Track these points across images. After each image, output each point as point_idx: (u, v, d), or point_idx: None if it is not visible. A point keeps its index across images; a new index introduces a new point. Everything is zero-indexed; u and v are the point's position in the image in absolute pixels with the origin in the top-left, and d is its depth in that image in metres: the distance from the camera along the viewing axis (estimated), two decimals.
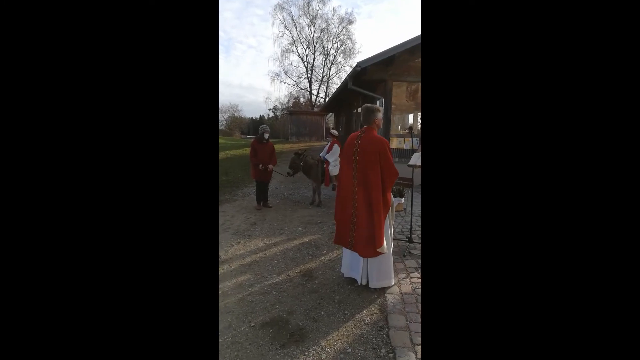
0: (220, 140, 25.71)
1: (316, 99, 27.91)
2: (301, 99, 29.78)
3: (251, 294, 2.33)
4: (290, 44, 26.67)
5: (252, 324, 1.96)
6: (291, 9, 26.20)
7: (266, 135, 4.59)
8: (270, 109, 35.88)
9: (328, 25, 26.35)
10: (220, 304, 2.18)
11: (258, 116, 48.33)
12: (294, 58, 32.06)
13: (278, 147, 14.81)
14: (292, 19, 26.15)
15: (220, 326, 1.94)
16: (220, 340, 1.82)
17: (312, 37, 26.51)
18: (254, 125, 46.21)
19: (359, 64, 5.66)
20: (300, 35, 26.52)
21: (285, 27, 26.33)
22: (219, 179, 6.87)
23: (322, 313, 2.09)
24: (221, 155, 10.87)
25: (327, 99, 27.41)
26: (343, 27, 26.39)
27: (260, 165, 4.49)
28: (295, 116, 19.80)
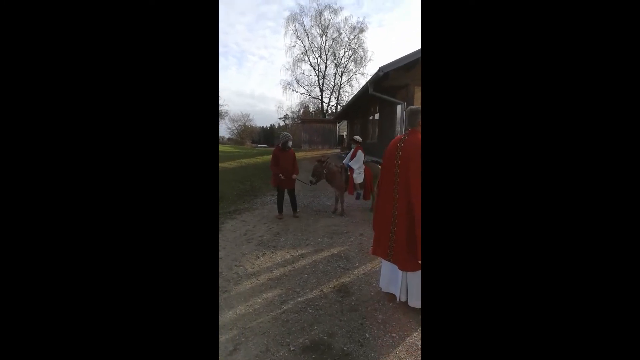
0: (232, 149, 25.97)
1: (327, 107, 27.99)
2: (312, 108, 29.92)
3: (285, 312, 2.13)
4: (302, 53, 27.01)
5: (292, 348, 1.76)
6: (303, 19, 26.50)
7: (289, 143, 4.46)
8: (280, 118, 36.17)
9: (340, 34, 26.60)
10: (253, 324, 2.00)
11: (269, 125, 48.91)
12: (305, 67, 32.39)
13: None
14: (304, 29, 26.53)
15: (257, 350, 1.75)
16: None
17: (324, 46, 26.78)
18: (264, 134, 46.72)
19: (381, 68, 5.52)
20: (312, 45, 26.84)
21: (298, 37, 26.72)
22: (237, 187, 6.77)
23: (367, 336, 1.88)
24: (236, 163, 10.83)
25: (337, 107, 27.49)
26: (355, 36, 26.59)
27: (281, 175, 4.35)
28: (308, 124, 19.80)
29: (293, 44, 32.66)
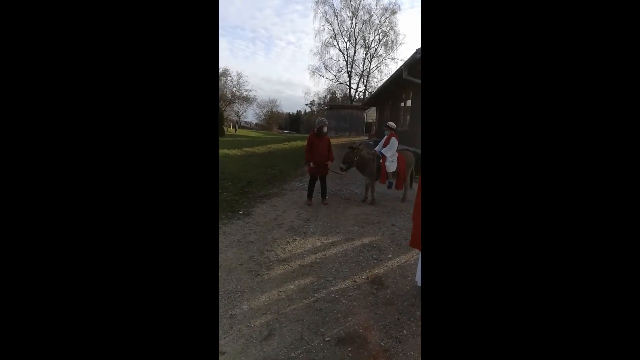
0: (259, 134, 26.35)
1: (355, 93, 27.31)
2: (339, 94, 29.33)
3: (318, 301, 2.10)
4: (331, 37, 26.26)
5: (327, 338, 1.72)
6: (333, 1, 25.68)
7: (325, 129, 4.35)
8: (306, 104, 35.92)
9: (370, 16, 25.48)
10: (287, 310, 1.98)
11: (295, 111, 48.88)
12: (334, 52, 31.64)
13: None
14: (334, 12, 25.70)
15: (291, 337, 1.73)
16: (293, 354, 1.60)
17: (354, 30, 25.84)
18: (290, 120, 46.83)
19: (418, 50, 5.18)
20: (341, 28, 26.00)
21: (327, 20, 25.95)
22: (266, 172, 6.83)
23: (405, 332, 1.79)
24: (264, 149, 10.94)
25: (366, 94, 26.74)
26: (386, 18, 25.36)
27: (311, 163, 4.29)
28: (335, 110, 19.47)
29: (322, 27, 31.82)
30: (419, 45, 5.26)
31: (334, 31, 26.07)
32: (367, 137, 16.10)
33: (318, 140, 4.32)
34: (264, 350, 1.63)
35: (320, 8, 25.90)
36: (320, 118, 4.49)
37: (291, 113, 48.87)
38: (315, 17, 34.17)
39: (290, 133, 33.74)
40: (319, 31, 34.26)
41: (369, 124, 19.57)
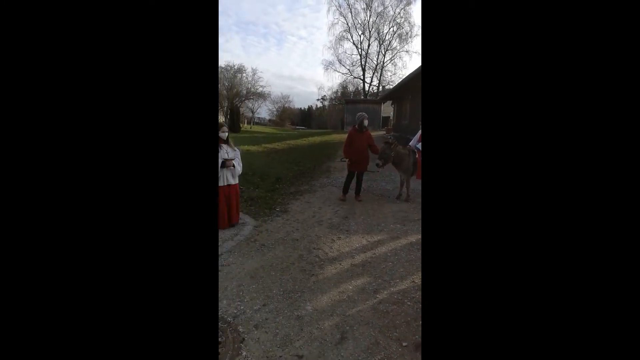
0: (274, 130, 26.38)
1: (369, 87, 26.91)
2: (350, 88, 28.92)
3: (382, 303, 2.02)
4: (345, 30, 25.91)
5: (404, 344, 1.65)
6: None
7: (365, 123, 4.25)
8: (318, 99, 35.73)
9: (384, 8, 24.97)
10: (352, 312, 1.92)
11: (306, 107, 48.70)
12: (347, 45, 31.25)
13: (335, 137, 14.56)
14: (348, 4, 25.28)
15: (366, 341, 1.66)
16: None
17: (368, 22, 25.39)
18: (302, 116, 46.71)
19: None
20: (355, 21, 25.60)
21: (341, 13, 25.64)
22: (291, 168, 6.78)
23: None
24: (283, 144, 10.91)
25: (379, 87, 26.32)
26: (401, 9, 24.80)
27: (348, 160, 4.21)
28: (351, 105, 19.26)
29: (335, 20, 31.48)
30: None
31: (347, 24, 25.73)
32: (384, 132, 15.86)
33: (358, 135, 4.22)
34: (342, 354, 1.57)
35: (334, 1, 25.59)
36: (361, 113, 4.37)
37: (302, 108, 48.75)
38: (329, 10, 33.71)
39: (302, 128, 33.68)
40: (333, 25, 33.73)
41: (385, 119, 19.25)
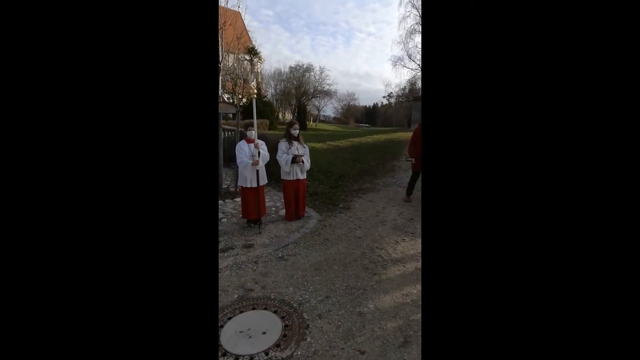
0: (338, 128, 26.66)
1: None
2: (419, 84, 27.35)
3: None
4: (417, 23, 24.57)
5: None
6: None
7: None
8: (384, 96, 34.77)
9: None
10: (417, 317, 1.85)
11: (372, 104, 47.87)
12: (418, 39, 29.64)
13: (401, 135, 13.99)
14: None
15: None
16: None
17: None
18: (367, 114, 46.09)
19: None
20: None
21: (413, 5, 24.38)
22: (355, 166, 6.79)
23: None
24: (347, 142, 10.96)
25: None
26: None
27: (412, 159, 4.04)
28: (419, 102, 18.27)
29: (407, 13, 30.05)
30: None
31: (419, 15, 24.35)
32: None
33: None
34: (405, 357, 1.54)
35: None
36: None
37: (367, 106, 48.09)
38: (400, 3, 32.40)
39: (366, 126, 33.25)
40: (404, 18, 32.36)
41: None
